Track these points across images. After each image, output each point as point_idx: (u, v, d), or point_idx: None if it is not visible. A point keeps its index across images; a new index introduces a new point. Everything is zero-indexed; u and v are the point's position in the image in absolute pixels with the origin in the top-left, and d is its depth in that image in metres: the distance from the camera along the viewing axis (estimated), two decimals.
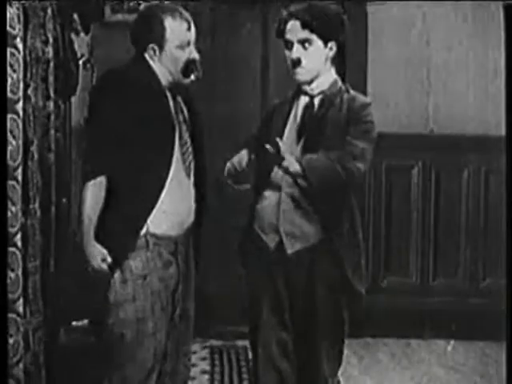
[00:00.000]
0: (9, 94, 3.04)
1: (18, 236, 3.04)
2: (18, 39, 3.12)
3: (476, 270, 5.20)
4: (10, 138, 3.02)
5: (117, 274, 2.82)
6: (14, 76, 3.09)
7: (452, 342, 4.92)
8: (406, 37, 5.13)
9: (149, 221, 2.81)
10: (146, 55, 2.89)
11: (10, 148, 3.02)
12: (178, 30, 2.86)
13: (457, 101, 5.12)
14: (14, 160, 3.05)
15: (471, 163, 5.18)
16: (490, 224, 5.11)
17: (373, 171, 5.16)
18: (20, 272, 3.04)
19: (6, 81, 3.00)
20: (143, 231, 2.82)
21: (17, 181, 3.06)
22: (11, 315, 2.98)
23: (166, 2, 3.15)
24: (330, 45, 2.94)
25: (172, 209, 2.85)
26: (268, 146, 2.78)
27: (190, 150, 2.94)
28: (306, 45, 2.91)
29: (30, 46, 3.24)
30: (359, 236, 3.04)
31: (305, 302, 3.00)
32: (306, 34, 2.89)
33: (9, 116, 3.02)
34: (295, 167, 2.85)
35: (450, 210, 5.19)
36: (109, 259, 2.79)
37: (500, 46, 4.41)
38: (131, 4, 4.99)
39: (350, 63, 5.12)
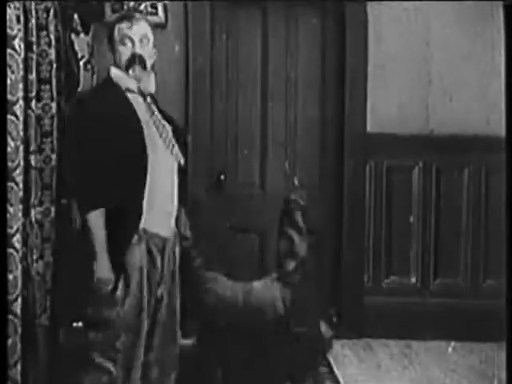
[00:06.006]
0: (7, 96, 3.04)
1: (17, 237, 3.06)
2: (17, 40, 3.12)
3: (477, 270, 5.19)
4: (8, 139, 3.03)
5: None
6: (13, 77, 3.09)
7: (453, 343, 4.91)
8: (407, 37, 5.12)
9: (143, 218, 2.90)
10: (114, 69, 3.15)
11: (8, 149, 3.02)
12: (120, 28, 3.17)
13: (457, 101, 5.11)
14: (12, 161, 3.06)
15: (472, 163, 5.17)
16: (491, 224, 5.10)
17: (373, 171, 5.16)
18: (18, 273, 3.05)
19: (6, 82, 3.00)
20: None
21: (15, 182, 3.07)
22: (9, 316, 2.99)
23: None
24: None
25: (160, 204, 2.96)
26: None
27: (174, 143, 3.07)
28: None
29: (31, 47, 3.24)
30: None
31: None
32: None
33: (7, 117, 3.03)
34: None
35: (451, 210, 5.19)
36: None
37: (500, 46, 4.41)
38: (131, 4, 4.99)
39: (350, 63, 5.13)
